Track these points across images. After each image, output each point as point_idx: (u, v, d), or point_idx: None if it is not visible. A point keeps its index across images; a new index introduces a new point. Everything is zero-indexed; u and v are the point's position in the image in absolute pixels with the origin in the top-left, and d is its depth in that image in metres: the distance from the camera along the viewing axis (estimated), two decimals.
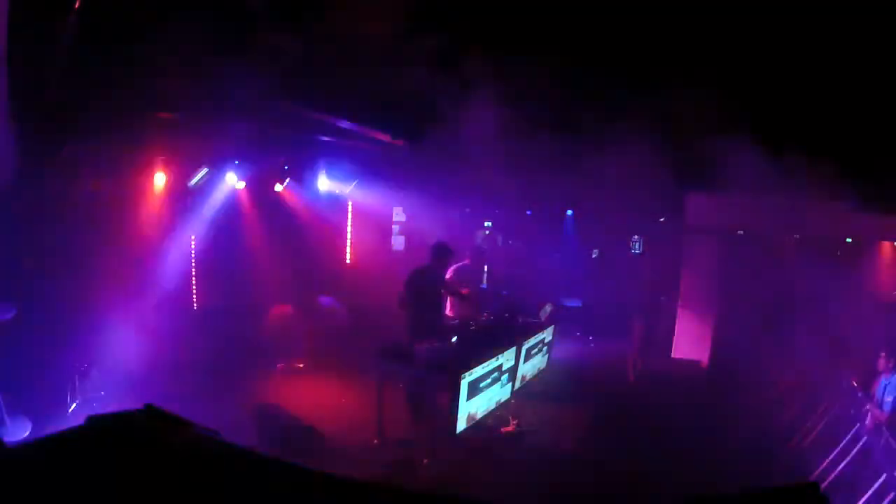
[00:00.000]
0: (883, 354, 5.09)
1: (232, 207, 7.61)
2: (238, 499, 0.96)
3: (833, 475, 4.76)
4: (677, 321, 8.90)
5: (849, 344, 5.98)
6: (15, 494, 0.91)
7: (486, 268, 8.82)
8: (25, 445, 1.15)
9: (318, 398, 6.42)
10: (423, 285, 5.47)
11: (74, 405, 5.27)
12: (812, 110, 6.01)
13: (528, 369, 6.57)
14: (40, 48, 3.78)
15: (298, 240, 8.52)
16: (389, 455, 5.05)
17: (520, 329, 6.42)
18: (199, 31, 4.05)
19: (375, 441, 5.39)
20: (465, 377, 5.03)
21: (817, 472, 4.95)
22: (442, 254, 5.61)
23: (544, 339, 6.98)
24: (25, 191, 4.63)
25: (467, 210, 10.38)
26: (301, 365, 7.33)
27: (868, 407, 4.98)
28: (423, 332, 5.34)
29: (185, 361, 6.24)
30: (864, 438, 4.80)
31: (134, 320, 5.98)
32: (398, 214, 10.14)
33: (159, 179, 6.59)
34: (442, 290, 5.81)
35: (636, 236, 10.29)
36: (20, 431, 4.53)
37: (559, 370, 7.50)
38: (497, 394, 5.78)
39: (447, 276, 5.88)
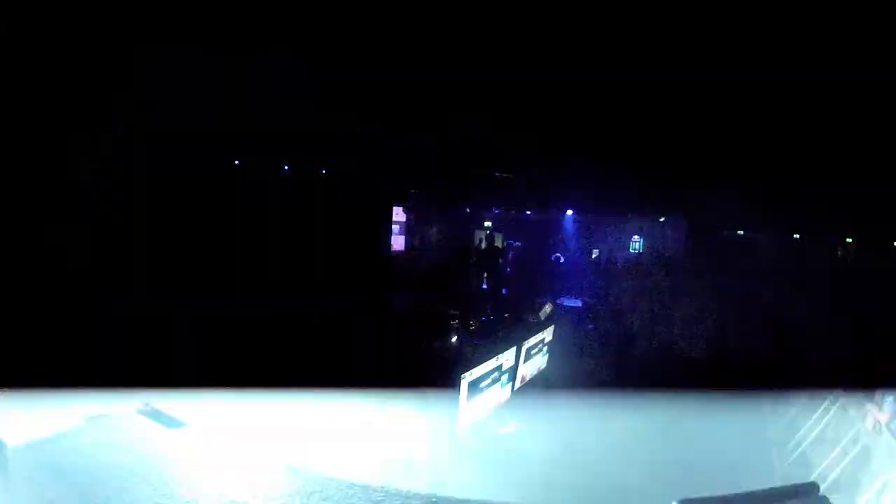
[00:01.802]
0: None
1: None
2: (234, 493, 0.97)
3: (833, 475, 4.76)
4: None
5: None
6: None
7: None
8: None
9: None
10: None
11: None
12: None
13: (528, 369, 6.57)
14: None
15: None
16: (389, 455, 5.04)
17: (520, 329, 6.42)
18: None
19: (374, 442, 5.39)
20: (465, 377, 5.03)
21: (817, 472, 4.94)
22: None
23: (544, 339, 6.98)
24: None
25: (467, 210, 10.38)
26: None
27: (868, 407, 4.98)
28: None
29: None
30: (864, 438, 4.80)
31: None
32: (398, 214, 10.13)
33: None
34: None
35: (636, 236, 10.30)
36: None
37: (559, 370, 7.48)
38: (497, 394, 5.77)
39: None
